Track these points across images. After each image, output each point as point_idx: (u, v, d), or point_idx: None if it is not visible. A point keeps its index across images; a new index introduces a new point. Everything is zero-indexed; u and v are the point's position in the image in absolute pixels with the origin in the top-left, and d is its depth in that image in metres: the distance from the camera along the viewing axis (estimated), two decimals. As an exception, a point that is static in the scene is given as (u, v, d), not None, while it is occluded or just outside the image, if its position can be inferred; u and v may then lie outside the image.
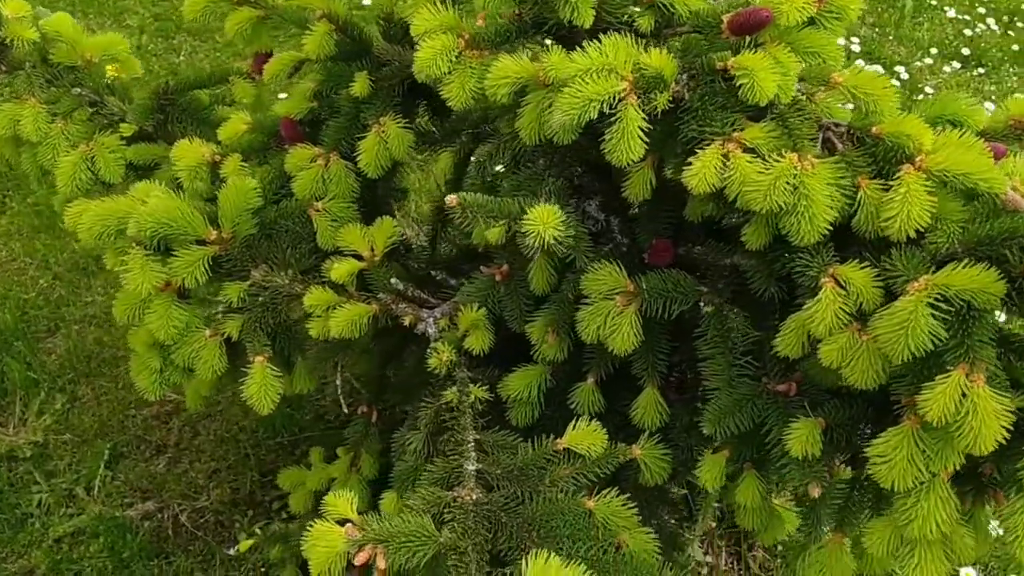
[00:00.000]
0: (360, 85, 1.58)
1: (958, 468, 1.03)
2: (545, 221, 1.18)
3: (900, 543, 1.09)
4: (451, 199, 1.24)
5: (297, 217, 1.60)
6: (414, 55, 1.32)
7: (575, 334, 1.41)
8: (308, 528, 1.26)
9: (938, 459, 1.03)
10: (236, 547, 2.18)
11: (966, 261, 1.03)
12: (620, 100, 1.14)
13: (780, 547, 2.19)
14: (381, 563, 1.18)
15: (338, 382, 1.68)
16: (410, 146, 1.58)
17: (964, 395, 0.98)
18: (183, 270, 1.48)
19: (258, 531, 2.13)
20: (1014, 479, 1.05)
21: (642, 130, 1.13)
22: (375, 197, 1.74)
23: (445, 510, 1.27)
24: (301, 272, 1.58)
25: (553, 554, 1.12)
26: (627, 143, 1.14)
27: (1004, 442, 0.99)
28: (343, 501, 1.28)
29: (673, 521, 1.62)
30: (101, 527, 2.22)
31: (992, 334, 1.01)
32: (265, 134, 1.72)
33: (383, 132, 1.55)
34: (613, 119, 1.14)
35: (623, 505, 1.30)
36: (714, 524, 2.17)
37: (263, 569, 2.16)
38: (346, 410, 1.74)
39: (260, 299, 1.56)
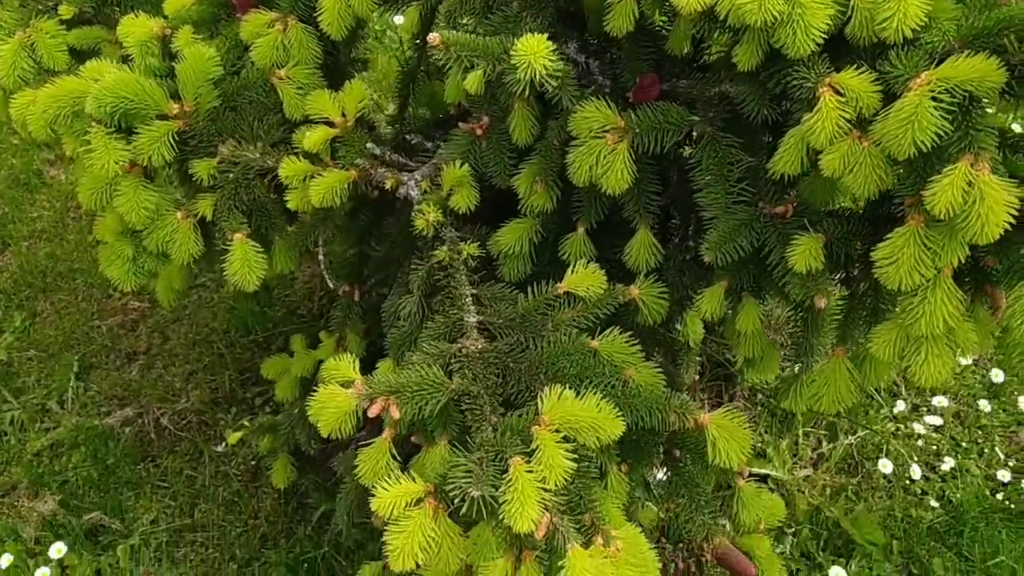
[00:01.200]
0: (312, -58, 1.49)
1: (961, 261, 1.05)
2: (535, 52, 1.14)
3: (907, 342, 1.11)
4: (433, 37, 1.19)
5: (260, 87, 1.53)
6: None
7: (563, 182, 1.39)
8: (310, 400, 1.25)
9: (944, 254, 1.04)
10: (224, 443, 2.16)
11: (966, 53, 1.02)
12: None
13: (760, 395, 2.25)
14: (395, 413, 1.17)
15: (320, 257, 1.63)
16: (373, 1, 1.50)
17: (970, 184, 0.98)
18: (148, 147, 1.41)
19: (246, 423, 2.11)
20: (1015, 268, 1.07)
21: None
22: (338, 65, 1.66)
23: (451, 361, 1.27)
24: (271, 144, 1.51)
25: (566, 388, 1.13)
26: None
27: (1008, 229, 1.00)
28: (345, 364, 1.26)
29: (670, 364, 1.64)
30: (80, 437, 2.18)
31: (994, 126, 1.01)
32: (214, 4, 1.62)
33: (343, -11, 1.47)
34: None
35: (626, 342, 1.30)
36: (697, 377, 2.22)
37: (253, 462, 2.15)
38: (331, 284, 1.70)
39: (231, 176, 1.50)
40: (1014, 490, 2.07)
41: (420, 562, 1.06)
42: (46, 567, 1.94)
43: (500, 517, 1.03)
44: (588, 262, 1.34)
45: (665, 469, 1.63)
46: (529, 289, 1.34)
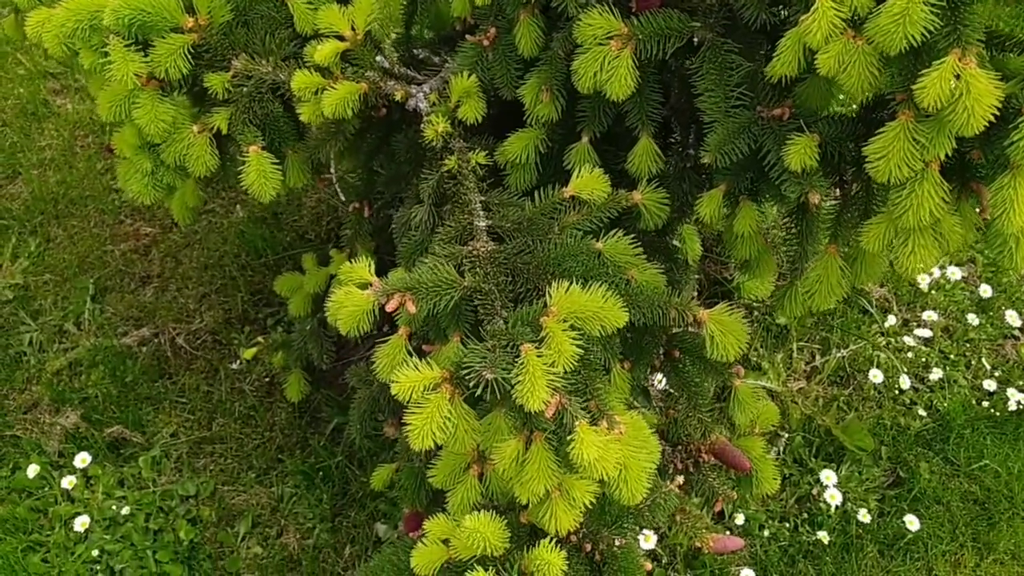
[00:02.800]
0: None
1: (948, 154, 1.10)
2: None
3: (895, 235, 1.17)
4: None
5: (271, 2, 1.56)
6: None
7: (568, 92, 1.44)
8: (329, 302, 1.31)
9: (931, 147, 1.10)
10: (239, 360, 2.24)
11: (957, -47, 1.06)
12: None
13: (755, 312, 2.32)
14: (412, 308, 1.24)
15: (332, 171, 1.69)
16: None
17: (957, 77, 1.04)
18: (164, 60, 1.45)
19: (260, 340, 2.18)
20: (999, 162, 1.13)
21: None
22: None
23: (463, 261, 1.33)
24: (283, 59, 1.56)
25: (571, 282, 1.20)
26: None
27: (992, 122, 1.05)
28: (361, 267, 1.32)
29: (666, 265, 1.70)
30: (98, 357, 2.25)
31: (981, 23, 1.06)
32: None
33: (351, -97, 1.50)
34: None
35: (630, 244, 1.36)
36: (695, 295, 2.28)
37: (267, 378, 2.23)
38: (343, 199, 1.75)
39: (245, 90, 1.54)
40: (999, 399, 2.15)
41: (438, 441, 1.14)
42: (72, 476, 2.03)
43: (512, 398, 1.11)
44: (593, 167, 1.39)
45: (663, 377, 1.71)
46: (536, 194, 1.39)
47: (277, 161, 1.55)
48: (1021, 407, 2.13)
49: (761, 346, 2.24)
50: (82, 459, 2.05)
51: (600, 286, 1.18)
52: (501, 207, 1.42)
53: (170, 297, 2.38)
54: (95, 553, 1.95)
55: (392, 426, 2.08)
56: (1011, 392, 2.14)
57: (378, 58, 1.54)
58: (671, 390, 1.71)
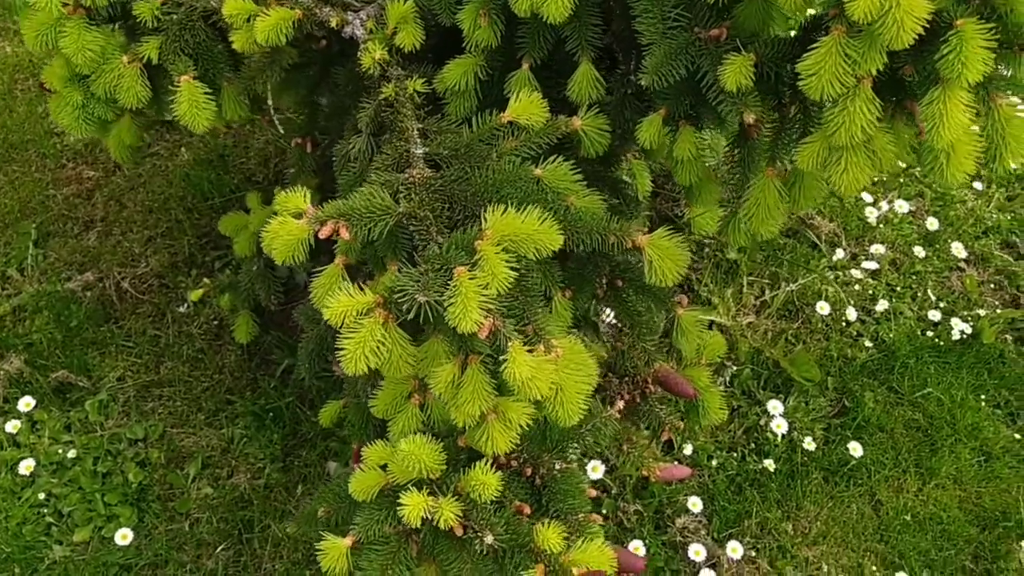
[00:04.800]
0: None
1: (880, 70, 1.10)
2: None
3: (829, 153, 1.17)
4: None
5: (200, -73, 1.52)
6: None
7: (506, 17, 1.41)
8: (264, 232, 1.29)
9: (863, 62, 1.09)
10: (186, 303, 2.21)
11: None
12: None
13: (706, 248, 2.32)
14: (345, 234, 1.22)
15: (269, 102, 1.65)
16: None
17: (888, -11, 1.03)
18: (89, -15, 1.41)
19: (207, 281, 2.15)
20: (930, 78, 1.13)
21: None
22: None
23: (399, 188, 1.31)
24: (214, -15, 1.51)
25: (508, 206, 1.19)
26: None
27: (923, 36, 1.05)
28: (296, 196, 1.30)
29: (615, 200, 1.69)
30: (42, 302, 2.21)
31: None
32: None
33: None
34: None
35: (569, 171, 1.35)
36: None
37: (216, 322, 2.20)
38: (281, 131, 1.72)
39: (175, 18, 1.50)
40: (944, 329, 2.19)
41: (371, 365, 1.13)
42: (16, 420, 2.00)
43: (446, 321, 1.10)
44: (530, 92, 1.37)
45: (612, 312, 1.71)
46: (473, 119, 1.37)
47: (211, 91, 1.51)
48: (964, 336, 2.17)
49: (711, 281, 2.26)
50: (26, 403, 2.02)
51: (535, 209, 1.17)
52: (439, 134, 1.40)
53: (115, 241, 2.34)
54: (42, 496, 1.93)
55: (340, 365, 2.07)
56: (955, 322, 2.18)
57: (313, -16, 1.50)
58: (619, 324, 1.72)
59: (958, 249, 2.30)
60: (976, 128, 1.12)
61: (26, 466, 1.95)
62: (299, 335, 2.04)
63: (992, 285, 2.29)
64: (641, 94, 1.52)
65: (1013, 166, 1.24)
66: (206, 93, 1.50)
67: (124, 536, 1.89)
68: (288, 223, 1.26)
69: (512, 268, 1.12)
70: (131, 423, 2.05)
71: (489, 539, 1.16)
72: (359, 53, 1.47)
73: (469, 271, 1.11)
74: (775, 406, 2.02)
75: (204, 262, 2.30)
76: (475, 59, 1.46)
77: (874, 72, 1.11)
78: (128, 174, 2.46)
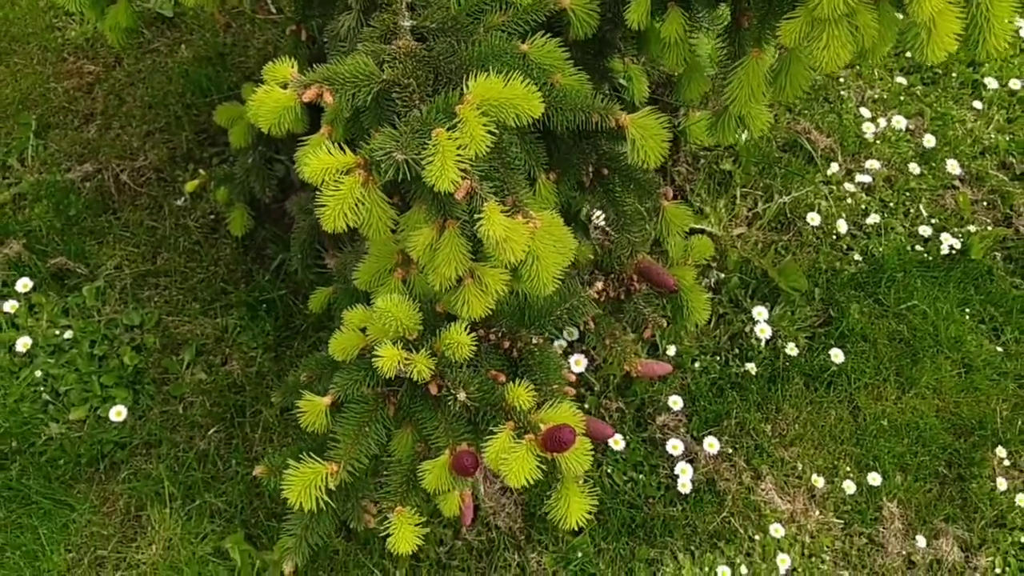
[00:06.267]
0: None
1: (867, -58, 1.10)
2: None
3: (811, 28, 1.17)
4: None
5: None
6: None
7: None
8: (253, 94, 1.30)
9: (848, -68, 1.09)
10: (183, 197, 2.23)
11: None
12: None
13: (702, 160, 2.32)
14: (329, 98, 1.23)
15: (262, -20, 1.65)
16: None
17: None
18: None
19: (202, 172, 2.17)
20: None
21: None
22: None
23: (385, 58, 1.32)
24: None
25: (491, 73, 1.20)
26: None
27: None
28: (283, 66, 1.30)
29: (606, 91, 1.70)
30: (42, 191, 2.24)
31: None
32: None
33: None
34: None
35: (556, 48, 1.36)
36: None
37: (212, 216, 2.23)
38: (273, 10, 1.72)
39: None
40: (933, 245, 2.20)
41: (350, 223, 1.15)
42: (14, 300, 2.04)
43: (423, 180, 1.12)
44: (519, -31, 1.37)
45: (600, 214, 1.73)
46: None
47: (202, -37, 1.51)
48: (953, 252, 2.18)
49: (705, 192, 2.26)
50: (24, 284, 2.06)
51: (519, 76, 1.18)
52: (427, 7, 1.40)
53: (114, 135, 2.35)
54: (39, 375, 1.98)
55: (332, 257, 2.10)
56: (944, 237, 2.19)
57: None
58: (607, 226, 1.74)
59: (953, 167, 2.30)
60: (956, 4, 1.12)
61: (23, 344, 1.99)
62: (293, 229, 2.07)
63: (985, 204, 2.29)
64: (633, -23, 1.51)
65: (998, 49, 1.23)
66: (198, -35, 1.50)
67: (119, 413, 1.94)
68: (273, 91, 1.27)
69: (491, 132, 1.13)
70: (128, 310, 2.09)
71: (462, 396, 1.20)
72: (351, -72, 1.47)
73: (448, 132, 1.12)
74: (760, 312, 2.04)
75: (202, 157, 2.32)
76: (467, -65, 1.45)
77: (859, -58, 1.10)
78: (128, 69, 2.46)
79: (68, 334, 2.03)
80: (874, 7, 1.19)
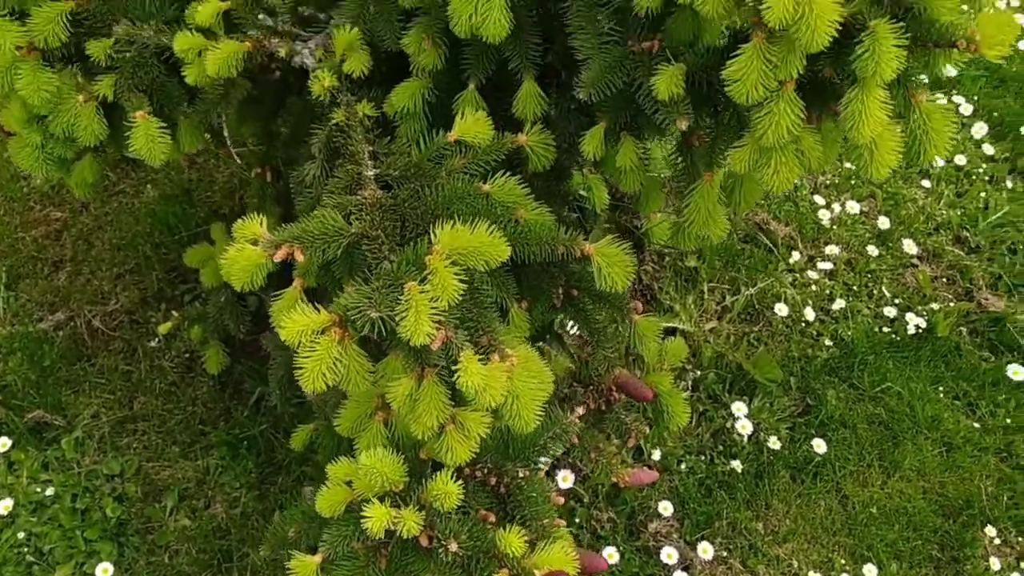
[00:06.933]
0: None
1: (801, 72, 1.15)
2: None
3: (759, 155, 1.23)
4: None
5: (150, -33, 1.56)
6: None
7: (450, 40, 1.46)
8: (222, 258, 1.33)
9: (784, 66, 1.14)
10: (157, 338, 2.23)
11: None
12: None
13: (667, 257, 2.37)
14: (300, 256, 1.25)
15: (225, 134, 1.69)
16: None
17: (800, -2, 1.08)
18: (42, 28, 1.45)
19: (175, 314, 2.17)
20: (850, 79, 1.18)
21: None
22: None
23: (352, 210, 1.35)
24: (164, 22, 1.55)
25: (457, 222, 1.23)
26: None
27: (836, 38, 1.10)
28: (253, 223, 1.33)
29: (566, 213, 1.74)
30: (15, 344, 2.23)
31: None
32: None
33: None
34: None
35: (517, 185, 1.40)
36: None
37: (187, 354, 2.23)
38: (239, 162, 1.76)
39: (128, 55, 1.54)
40: (900, 325, 2.24)
41: (329, 382, 1.16)
42: (-8, 461, 2.02)
43: (399, 335, 1.13)
44: (476, 111, 1.42)
45: (575, 324, 1.76)
46: (420, 139, 1.42)
47: (166, 125, 1.55)
48: (920, 331, 2.22)
49: (673, 289, 2.30)
50: (2, 444, 2.03)
51: (484, 223, 1.21)
52: (389, 156, 1.44)
53: (84, 280, 2.36)
54: (21, 536, 1.94)
55: (307, 386, 2.10)
56: (910, 317, 2.24)
57: (260, 16, 1.55)
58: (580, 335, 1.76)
59: (910, 246, 2.36)
60: (895, 124, 1.18)
61: (4, 507, 1.96)
62: (270, 364, 2.07)
63: (945, 280, 2.35)
64: (584, 108, 1.57)
65: (939, 160, 1.29)
66: (161, 127, 1.53)
67: (105, 571, 1.90)
68: (245, 249, 1.29)
69: (462, 280, 1.15)
70: (107, 459, 2.07)
71: (454, 547, 1.19)
72: (309, 81, 1.52)
73: (419, 285, 1.14)
74: (739, 407, 2.06)
75: (173, 296, 2.32)
76: (421, 82, 1.51)
77: (795, 75, 1.16)
78: (95, 213, 2.49)
79: (49, 490, 2.00)
80: (816, 130, 1.25)
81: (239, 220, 1.39)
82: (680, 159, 1.51)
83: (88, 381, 2.19)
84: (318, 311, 1.19)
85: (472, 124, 1.40)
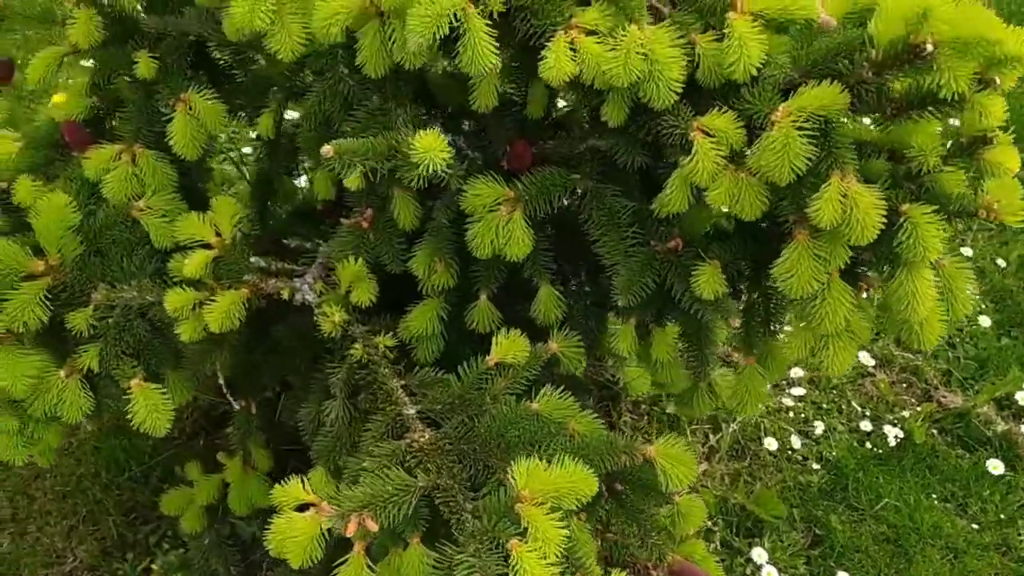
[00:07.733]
0: (144, 66, 1.46)
1: (846, 263, 1.19)
2: (433, 147, 1.17)
3: (816, 341, 1.25)
4: (327, 149, 1.20)
5: (122, 224, 1.47)
6: (223, 14, 1.24)
7: (461, 256, 1.43)
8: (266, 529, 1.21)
9: (831, 259, 1.18)
10: (129, 596, 2.02)
11: (811, 83, 1.16)
12: (462, 11, 1.15)
13: (643, 405, 2.37)
14: (373, 526, 1.16)
15: (221, 381, 1.58)
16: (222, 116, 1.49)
17: (844, 196, 1.12)
18: (20, 312, 1.32)
19: (154, 567, 1.97)
20: (886, 256, 1.23)
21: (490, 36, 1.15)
22: (193, 185, 1.62)
23: (407, 457, 1.27)
24: (147, 278, 1.45)
25: (532, 458, 1.17)
26: (479, 52, 1.15)
27: (882, 228, 1.15)
28: (295, 487, 1.22)
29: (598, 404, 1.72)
30: (-41, 635, 1.96)
31: (850, 139, 1.16)
32: (44, 147, 1.55)
33: (191, 108, 1.45)
34: (461, 31, 1.15)
35: (560, 397, 1.36)
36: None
37: (168, 608, 2.02)
38: (233, 403, 1.64)
39: (111, 321, 1.43)
40: (878, 436, 2.31)
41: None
42: None
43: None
44: (507, 330, 1.38)
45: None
46: (459, 369, 1.37)
47: (164, 389, 1.44)
48: (899, 440, 2.30)
49: (657, 438, 2.29)
50: None
51: (563, 456, 1.16)
52: (423, 388, 1.38)
53: (32, 540, 2.12)
54: None
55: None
56: (887, 429, 2.31)
57: (253, 259, 1.47)
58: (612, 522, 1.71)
59: (865, 357, 2.46)
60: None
61: None
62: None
63: (904, 384, 2.45)
64: (598, 301, 1.56)
65: (965, 316, 1.36)
66: (161, 393, 1.42)
67: None
68: (297, 521, 1.19)
69: (562, 527, 1.10)
70: None
71: None
72: (316, 317, 1.44)
73: (523, 542, 1.08)
74: (759, 554, 2.05)
75: (138, 540, 2.12)
76: (436, 302, 1.47)
77: (841, 266, 1.20)
78: (27, 462, 2.25)
79: None
80: (861, 310, 1.29)
81: (277, 488, 1.28)
82: (692, 335, 1.52)
83: (54, 661, 1.94)
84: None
85: (510, 345, 1.36)
